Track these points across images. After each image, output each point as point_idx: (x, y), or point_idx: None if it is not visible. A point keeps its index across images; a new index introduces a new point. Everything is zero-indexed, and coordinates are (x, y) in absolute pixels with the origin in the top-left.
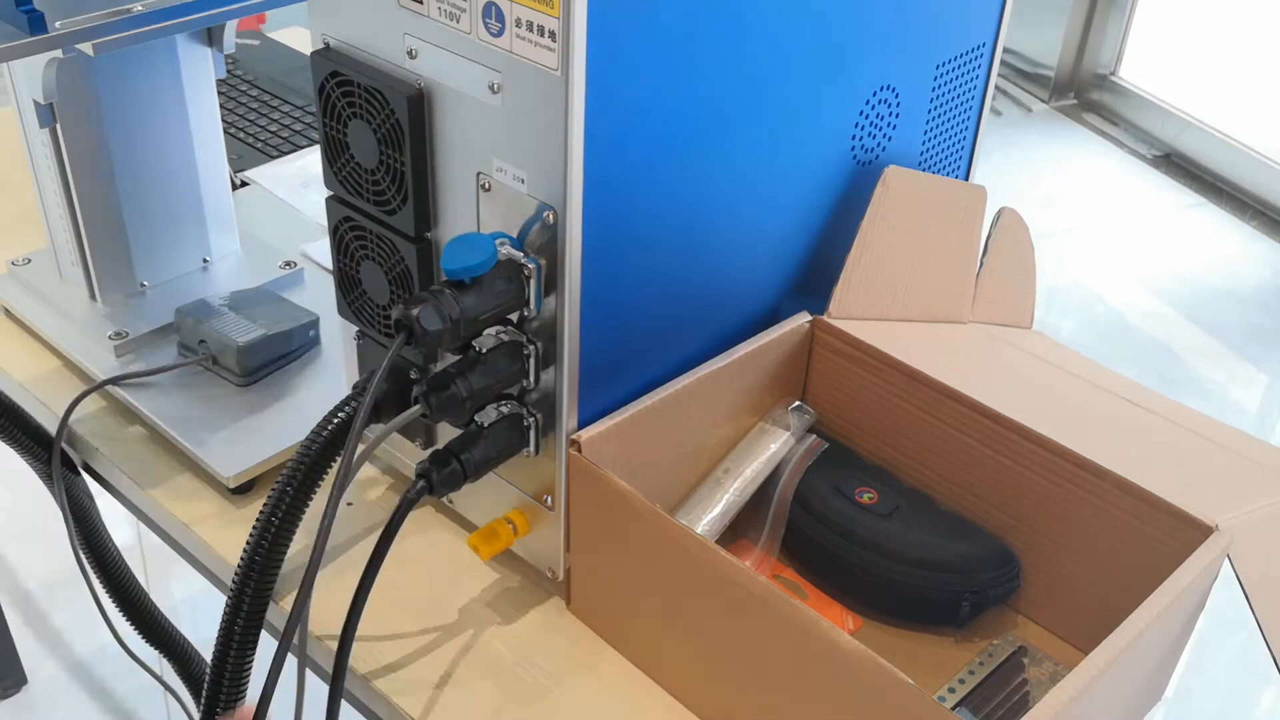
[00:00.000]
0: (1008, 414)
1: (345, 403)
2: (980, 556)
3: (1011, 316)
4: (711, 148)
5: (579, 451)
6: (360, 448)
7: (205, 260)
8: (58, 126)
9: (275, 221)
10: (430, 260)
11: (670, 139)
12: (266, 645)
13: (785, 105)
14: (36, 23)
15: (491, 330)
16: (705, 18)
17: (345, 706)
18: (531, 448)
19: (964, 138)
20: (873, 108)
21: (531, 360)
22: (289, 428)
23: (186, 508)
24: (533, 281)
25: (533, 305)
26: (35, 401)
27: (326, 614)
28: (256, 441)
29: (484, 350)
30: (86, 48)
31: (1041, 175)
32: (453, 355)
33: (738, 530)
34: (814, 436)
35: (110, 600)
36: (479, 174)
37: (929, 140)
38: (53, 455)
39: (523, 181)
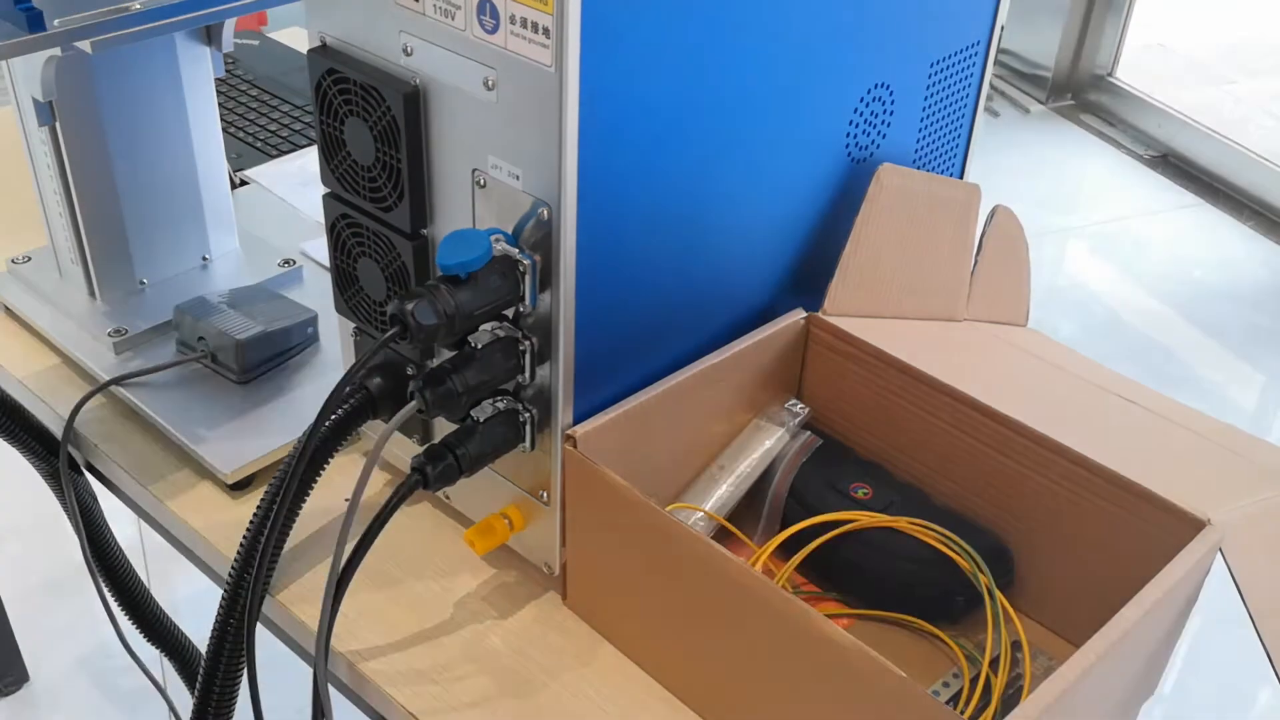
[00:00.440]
0: (1001, 410)
1: (340, 400)
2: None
3: (1006, 314)
4: (706, 145)
5: (574, 447)
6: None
7: (204, 258)
8: (57, 125)
9: (274, 220)
10: (426, 257)
11: (664, 136)
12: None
13: (779, 102)
14: (35, 21)
15: (487, 326)
16: (699, 15)
17: (343, 701)
18: (527, 443)
19: (958, 136)
20: (867, 105)
21: (527, 356)
22: (287, 424)
23: (185, 504)
24: (528, 277)
25: (528, 301)
26: (35, 399)
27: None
28: (255, 438)
29: (479, 346)
30: (85, 45)
31: (1039, 176)
32: (449, 351)
33: (733, 525)
34: (809, 433)
35: (114, 599)
36: (474, 170)
37: (923, 138)
38: (60, 459)
39: (518, 178)
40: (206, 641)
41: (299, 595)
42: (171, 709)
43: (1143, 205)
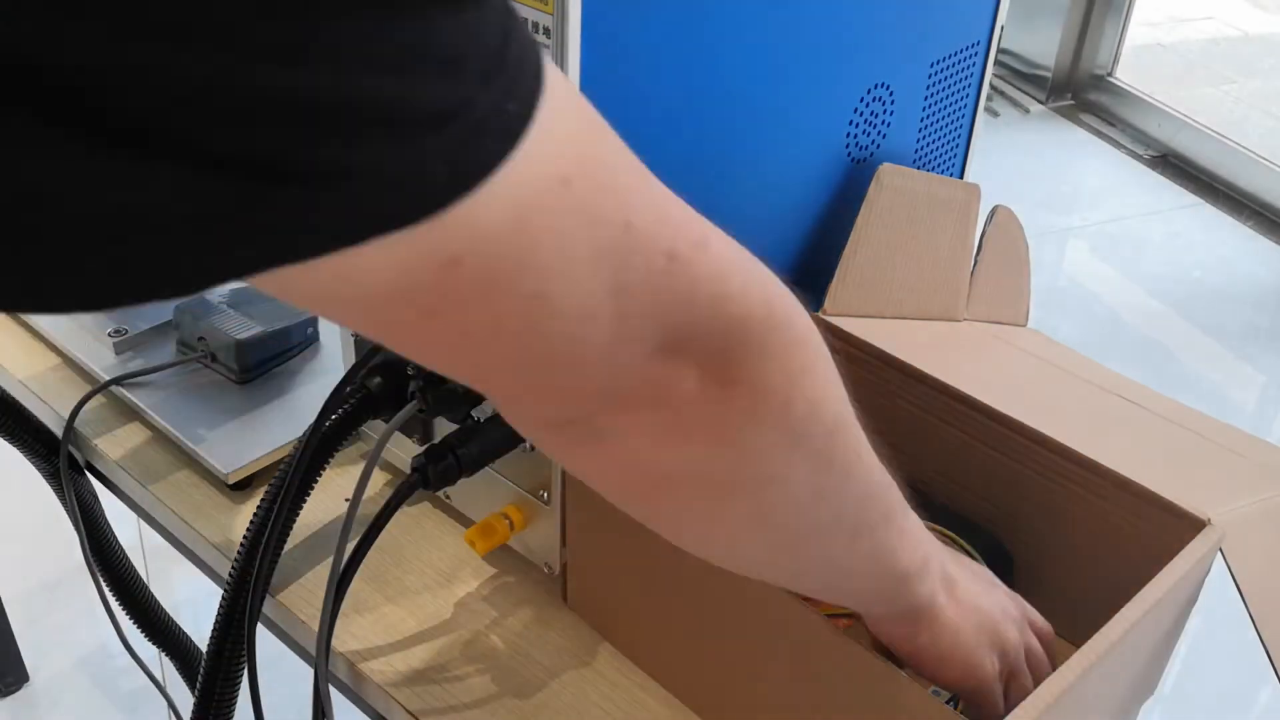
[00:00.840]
0: (1001, 409)
1: (340, 400)
2: (974, 551)
3: (1006, 314)
4: (706, 145)
5: None
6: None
7: None
8: None
9: None
10: None
11: (665, 137)
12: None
13: (779, 102)
14: None
15: None
16: (699, 15)
17: (343, 701)
18: (528, 443)
19: (959, 136)
20: (867, 105)
21: None
22: (287, 424)
23: (185, 504)
24: None
25: None
26: (35, 399)
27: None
28: (255, 438)
29: None
30: None
31: (1039, 176)
32: None
33: None
34: None
35: (114, 599)
36: None
37: (924, 138)
38: (60, 459)
39: None
40: (207, 641)
41: (299, 595)
42: (172, 708)
43: (1143, 205)
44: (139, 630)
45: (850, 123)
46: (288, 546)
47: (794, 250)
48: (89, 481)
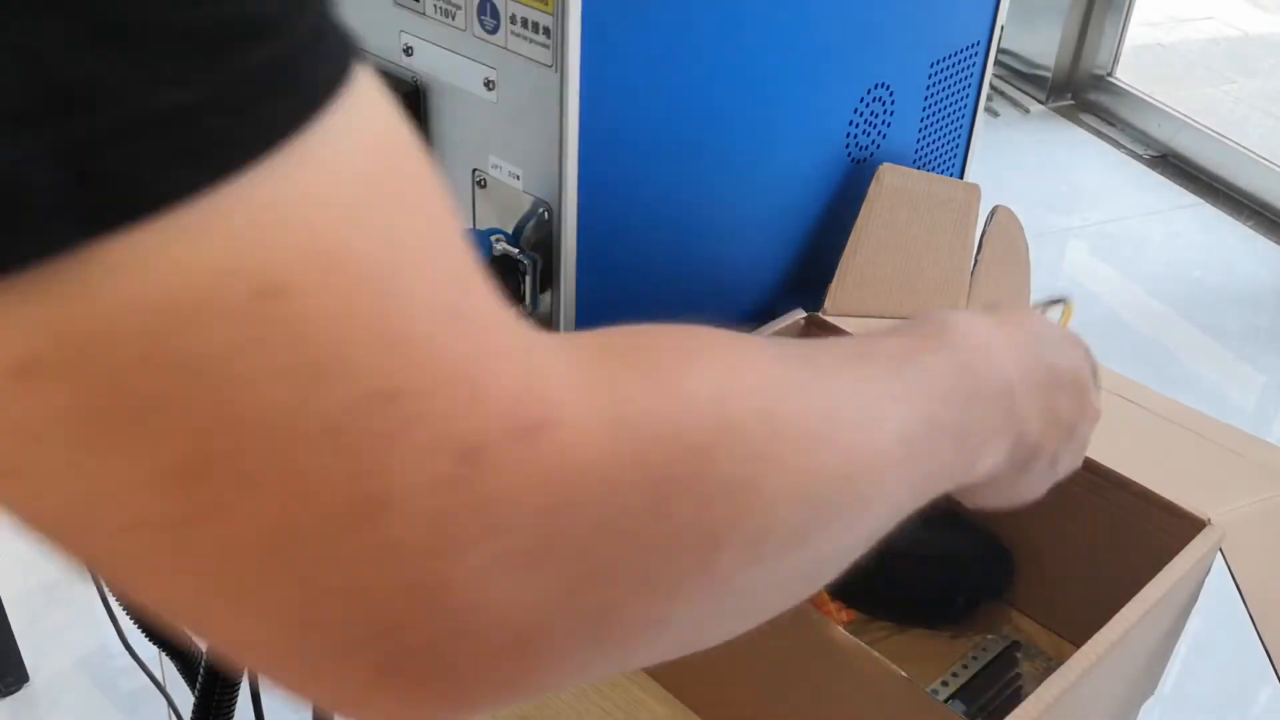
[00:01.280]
0: None
1: None
2: (974, 551)
3: None
4: (706, 145)
5: None
6: None
7: None
8: None
9: None
10: None
11: (665, 136)
12: None
13: (779, 102)
14: None
15: None
16: (699, 14)
17: None
18: None
19: (958, 135)
20: (867, 105)
21: None
22: None
23: None
24: (528, 278)
25: (528, 302)
26: None
27: None
28: None
29: None
30: None
31: (1039, 176)
32: None
33: None
34: None
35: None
36: (475, 170)
37: (923, 138)
38: None
39: (518, 178)
40: None
41: None
42: (172, 708)
43: (1143, 205)
44: (139, 630)
45: (850, 123)
46: None
47: (794, 249)
48: None
